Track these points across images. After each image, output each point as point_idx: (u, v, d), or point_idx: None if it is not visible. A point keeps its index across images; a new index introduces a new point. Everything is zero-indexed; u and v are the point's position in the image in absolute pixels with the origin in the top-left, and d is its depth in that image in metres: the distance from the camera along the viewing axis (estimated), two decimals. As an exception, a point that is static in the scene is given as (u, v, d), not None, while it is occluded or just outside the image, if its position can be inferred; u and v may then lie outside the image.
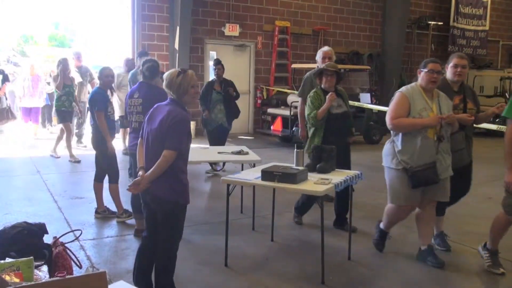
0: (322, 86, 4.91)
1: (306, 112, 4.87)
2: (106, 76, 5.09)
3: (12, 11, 19.01)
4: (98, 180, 5.27)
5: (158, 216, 3.22)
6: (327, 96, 4.73)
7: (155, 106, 3.33)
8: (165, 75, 3.25)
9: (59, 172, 7.56)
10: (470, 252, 4.47)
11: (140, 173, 3.19)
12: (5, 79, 9.51)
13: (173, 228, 3.23)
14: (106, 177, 5.26)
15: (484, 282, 3.96)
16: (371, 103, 11.18)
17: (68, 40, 25.21)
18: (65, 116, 8.22)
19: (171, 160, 3.08)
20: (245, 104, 11.77)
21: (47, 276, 2.04)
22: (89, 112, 6.49)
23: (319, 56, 5.61)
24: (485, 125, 8.74)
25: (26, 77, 9.97)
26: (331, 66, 4.88)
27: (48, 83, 11.36)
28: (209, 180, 7.23)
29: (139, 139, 3.39)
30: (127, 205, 5.38)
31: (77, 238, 2.52)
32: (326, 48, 5.71)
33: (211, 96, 7.24)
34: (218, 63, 7.41)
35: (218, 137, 7.32)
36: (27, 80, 9.91)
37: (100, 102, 4.96)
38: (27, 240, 2.31)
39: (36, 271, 2.00)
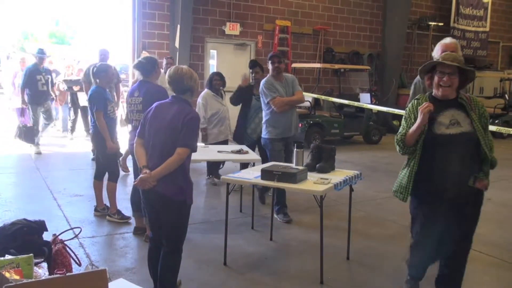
0: (433, 92, 3.13)
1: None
2: (105, 74, 5.06)
3: (12, 8, 18.99)
4: (98, 178, 5.26)
5: (162, 217, 3.17)
6: (419, 108, 3.05)
7: (156, 104, 3.28)
8: (168, 73, 3.23)
9: (59, 169, 7.56)
10: (470, 254, 4.46)
11: (146, 171, 3.09)
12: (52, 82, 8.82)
13: (178, 228, 3.21)
14: (106, 175, 5.26)
15: (485, 284, 3.97)
16: (371, 103, 11.19)
17: (68, 38, 25.19)
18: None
19: (185, 157, 3.08)
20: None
21: (47, 273, 2.04)
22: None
23: (436, 51, 3.92)
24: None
25: (17, 73, 9.17)
26: (450, 58, 3.00)
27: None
28: (208, 179, 7.21)
29: (136, 138, 3.30)
30: (123, 204, 5.39)
31: (76, 236, 2.52)
32: (448, 40, 3.92)
33: (250, 103, 6.21)
34: (254, 65, 6.32)
35: (259, 152, 6.12)
36: (18, 76, 9.11)
37: (98, 101, 4.91)
38: (26, 237, 2.31)
39: (35, 268, 1.99)
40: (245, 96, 6.28)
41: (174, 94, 3.25)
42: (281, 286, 3.74)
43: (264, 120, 5.34)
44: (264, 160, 5.29)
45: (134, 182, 3.20)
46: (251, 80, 6.35)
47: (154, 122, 3.19)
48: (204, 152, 5.41)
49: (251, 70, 6.30)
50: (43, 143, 9.02)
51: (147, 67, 4.44)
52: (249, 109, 6.21)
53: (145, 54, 9.64)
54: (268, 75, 5.35)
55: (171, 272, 3.23)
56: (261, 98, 5.32)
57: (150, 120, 3.21)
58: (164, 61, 7.60)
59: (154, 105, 3.29)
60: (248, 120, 6.23)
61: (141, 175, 3.10)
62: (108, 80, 5.15)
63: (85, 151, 8.67)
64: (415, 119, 3.07)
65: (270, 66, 5.27)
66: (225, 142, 6.47)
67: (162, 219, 3.17)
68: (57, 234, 2.44)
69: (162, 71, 7.51)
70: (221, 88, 6.69)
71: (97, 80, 5.01)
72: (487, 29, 16.11)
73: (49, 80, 8.66)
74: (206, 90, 6.64)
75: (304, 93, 6.29)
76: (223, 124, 6.54)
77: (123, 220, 5.05)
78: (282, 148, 5.28)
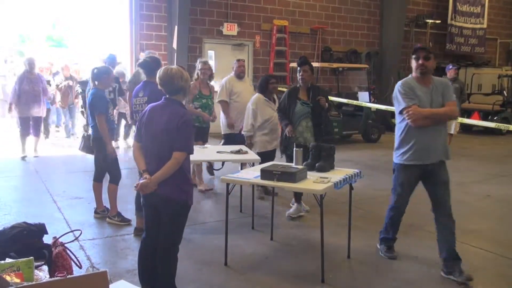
0: None
1: None
2: (107, 77, 5.06)
3: (9, 11, 18.98)
4: (97, 180, 5.26)
5: (163, 218, 3.17)
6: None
7: (150, 107, 3.25)
8: (158, 74, 3.20)
9: (58, 172, 7.54)
10: (471, 251, 4.47)
11: (146, 176, 3.09)
12: (120, 92, 7.89)
13: (178, 229, 3.22)
14: (106, 177, 5.25)
15: (485, 281, 3.96)
16: (370, 101, 11.21)
17: (65, 40, 25.16)
18: (195, 135, 5.85)
19: (182, 161, 3.08)
20: (243, 103, 11.79)
21: (47, 276, 2.04)
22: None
23: None
24: (484, 123, 8.79)
25: (25, 77, 8.17)
26: None
27: (48, 82, 10.73)
28: (208, 179, 7.21)
29: (134, 142, 3.30)
30: (123, 206, 5.38)
31: (76, 238, 2.51)
32: None
33: (294, 108, 5.23)
34: (304, 62, 5.25)
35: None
36: (27, 81, 8.17)
37: (101, 104, 4.91)
38: (26, 241, 2.30)
39: (36, 271, 1.99)
40: (288, 101, 5.29)
41: (167, 96, 3.21)
42: (282, 286, 3.73)
43: (396, 136, 4.02)
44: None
45: (134, 186, 3.17)
46: (299, 80, 5.31)
47: (149, 126, 3.17)
48: (204, 153, 5.41)
49: (299, 69, 5.22)
50: (41, 145, 9.02)
51: (152, 66, 4.45)
52: (294, 115, 5.21)
53: (143, 56, 9.62)
54: (410, 75, 3.98)
55: (171, 272, 3.24)
56: (394, 105, 3.99)
57: (145, 124, 3.19)
58: (236, 65, 6.80)
59: (147, 108, 3.28)
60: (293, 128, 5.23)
61: (141, 181, 3.09)
62: (108, 83, 5.15)
63: (84, 153, 8.64)
64: None
65: (413, 63, 3.87)
66: (273, 153, 5.81)
67: (163, 220, 3.17)
68: (57, 237, 2.44)
69: (233, 74, 6.78)
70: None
71: (96, 82, 5.01)
72: (485, 26, 16.14)
73: (116, 88, 7.87)
74: (257, 94, 5.92)
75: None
76: (276, 132, 5.81)
77: (123, 222, 5.04)
78: (415, 181, 3.98)
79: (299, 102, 5.21)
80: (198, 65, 6.40)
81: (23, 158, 8.26)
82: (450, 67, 9.37)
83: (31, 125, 8.41)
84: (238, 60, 6.86)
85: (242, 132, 6.06)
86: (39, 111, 8.39)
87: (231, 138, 6.58)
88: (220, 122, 6.79)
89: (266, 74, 6.15)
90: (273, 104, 5.90)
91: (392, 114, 12.95)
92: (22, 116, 8.32)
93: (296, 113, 5.19)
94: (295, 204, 5.40)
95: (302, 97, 5.24)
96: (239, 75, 6.72)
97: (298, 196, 5.35)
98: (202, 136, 6.42)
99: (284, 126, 5.27)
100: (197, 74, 6.36)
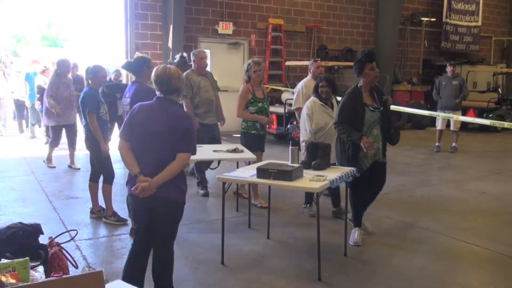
0: None
1: None
2: (94, 76, 5.05)
3: (4, 11, 18.90)
4: (93, 180, 5.25)
5: (162, 219, 3.08)
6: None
7: (142, 106, 3.11)
8: (155, 72, 3.11)
9: (54, 172, 7.51)
10: (467, 248, 4.49)
11: (146, 178, 2.93)
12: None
13: (175, 229, 3.21)
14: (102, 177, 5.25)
15: (481, 278, 3.98)
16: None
17: (61, 40, 25.09)
18: (253, 144, 5.63)
19: (187, 162, 3.06)
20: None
21: (43, 276, 2.03)
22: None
23: None
24: (479, 120, 8.83)
25: (60, 82, 7.30)
26: None
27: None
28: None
29: (122, 141, 3.08)
30: (119, 206, 5.37)
31: (72, 238, 2.51)
32: None
33: (363, 116, 4.32)
34: (374, 57, 4.43)
35: (371, 177, 4.43)
36: (62, 86, 7.33)
37: (91, 103, 4.89)
38: (22, 241, 2.30)
39: (32, 271, 1.99)
40: (353, 107, 4.36)
41: (161, 95, 3.11)
42: (279, 285, 3.74)
43: None
44: None
45: (132, 190, 2.97)
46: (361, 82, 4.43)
47: (147, 126, 3.00)
48: (199, 152, 5.37)
49: (368, 64, 4.35)
50: (39, 146, 8.97)
51: (133, 67, 4.53)
52: (362, 124, 4.32)
53: (138, 55, 9.59)
54: None
55: (170, 271, 3.23)
56: None
57: (141, 124, 3.03)
58: (313, 66, 5.90)
59: (137, 106, 3.12)
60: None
61: (141, 184, 2.93)
62: (99, 82, 5.14)
63: (79, 153, 8.62)
64: None
65: None
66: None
67: (161, 221, 3.10)
68: (53, 237, 2.43)
69: (310, 76, 5.93)
70: (331, 96, 5.20)
71: (89, 81, 5.01)
72: (479, 23, 16.18)
73: None
74: (312, 98, 5.15)
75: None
76: (332, 142, 4.76)
77: (120, 222, 5.03)
78: None
79: (367, 108, 4.33)
80: (251, 66, 5.60)
81: (50, 167, 7.68)
82: (447, 65, 10.13)
83: (63, 135, 7.77)
84: (315, 61, 5.99)
85: (301, 142, 5.14)
86: (74, 117, 7.72)
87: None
88: (301, 131, 5.73)
89: (320, 76, 5.38)
90: (330, 109, 5.09)
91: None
92: (57, 125, 7.54)
93: (366, 121, 4.31)
94: (356, 229, 4.55)
95: (368, 101, 4.37)
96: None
97: (358, 220, 4.55)
98: (261, 145, 5.76)
99: (356, 140, 4.22)
100: (248, 76, 5.62)
